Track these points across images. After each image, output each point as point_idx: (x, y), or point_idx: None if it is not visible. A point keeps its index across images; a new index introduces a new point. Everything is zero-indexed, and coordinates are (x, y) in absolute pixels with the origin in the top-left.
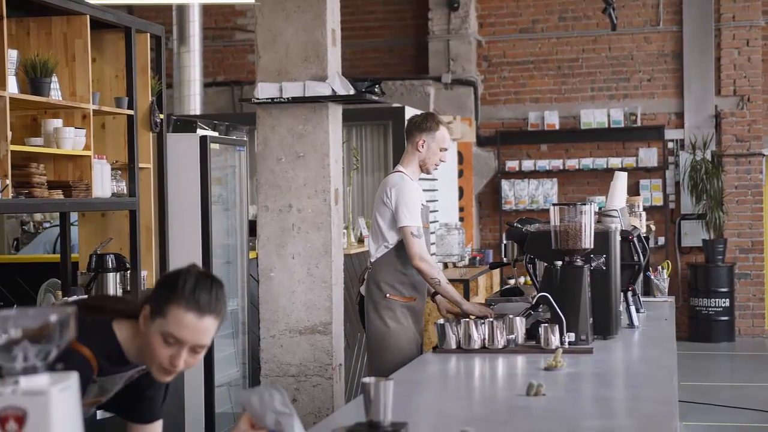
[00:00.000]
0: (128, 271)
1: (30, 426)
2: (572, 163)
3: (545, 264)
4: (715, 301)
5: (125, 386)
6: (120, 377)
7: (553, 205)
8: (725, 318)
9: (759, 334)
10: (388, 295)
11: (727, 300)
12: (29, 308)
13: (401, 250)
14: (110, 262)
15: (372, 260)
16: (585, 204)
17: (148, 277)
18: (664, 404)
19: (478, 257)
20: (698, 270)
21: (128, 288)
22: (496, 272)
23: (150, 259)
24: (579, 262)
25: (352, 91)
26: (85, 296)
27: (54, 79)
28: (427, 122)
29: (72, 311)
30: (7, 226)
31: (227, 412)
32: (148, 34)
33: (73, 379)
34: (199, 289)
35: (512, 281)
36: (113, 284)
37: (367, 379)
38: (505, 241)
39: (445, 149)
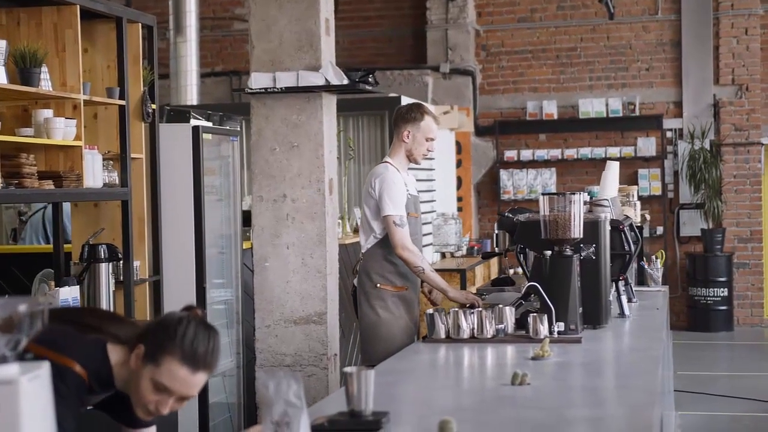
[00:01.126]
0: (121, 261)
1: None
2: (571, 153)
3: (535, 254)
4: (714, 291)
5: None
6: (103, 396)
7: (543, 194)
8: (724, 307)
9: (757, 324)
10: (378, 285)
11: (726, 289)
12: None
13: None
14: (103, 252)
15: (362, 251)
16: (574, 194)
17: (141, 267)
18: (646, 393)
19: (476, 247)
20: (697, 259)
21: (121, 278)
22: (494, 262)
23: (143, 249)
24: (568, 252)
25: (345, 81)
26: (81, 307)
27: (44, 69)
28: (411, 113)
29: (43, 305)
30: (5, 217)
31: (221, 402)
32: (140, 24)
33: (43, 368)
34: (197, 342)
35: (511, 271)
36: (105, 274)
37: (348, 369)
38: (496, 231)
39: (432, 139)
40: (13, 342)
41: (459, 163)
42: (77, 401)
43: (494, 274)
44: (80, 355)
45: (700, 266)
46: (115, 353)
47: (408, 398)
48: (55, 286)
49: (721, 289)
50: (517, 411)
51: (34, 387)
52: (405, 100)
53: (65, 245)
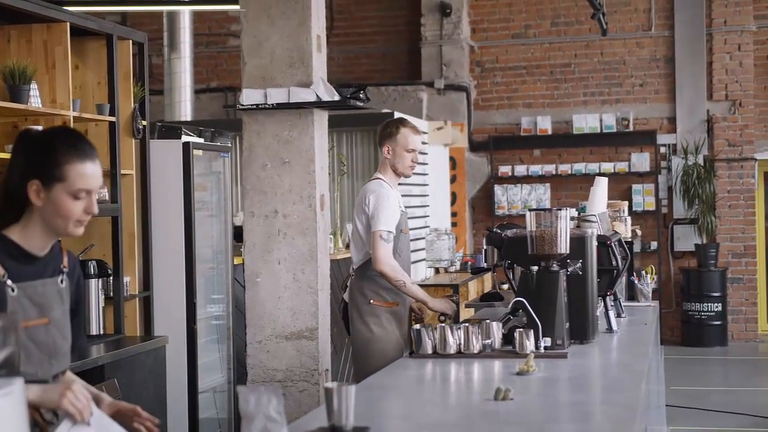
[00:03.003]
0: (110, 278)
1: None
2: (565, 168)
3: (522, 269)
4: (708, 306)
5: None
6: (42, 284)
7: (530, 210)
8: (718, 322)
9: (752, 339)
10: (372, 301)
11: (720, 304)
12: None
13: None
14: (92, 268)
15: (354, 267)
16: (561, 209)
17: (131, 283)
18: (627, 409)
19: (470, 262)
20: (691, 274)
21: (111, 294)
22: (488, 277)
23: (133, 265)
24: (555, 267)
25: (336, 97)
26: None
27: (33, 86)
28: (387, 128)
29: (13, 318)
30: None
31: (212, 418)
32: (131, 41)
33: (17, 384)
34: (75, 141)
35: (506, 286)
36: (95, 290)
37: (329, 385)
38: (485, 246)
39: (412, 150)
40: None
41: (453, 179)
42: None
43: (488, 290)
44: None
45: (694, 281)
46: (10, 232)
47: (391, 413)
48: None
49: (715, 304)
50: (498, 426)
51: (7, 403)
52: (397, 117)
53: None
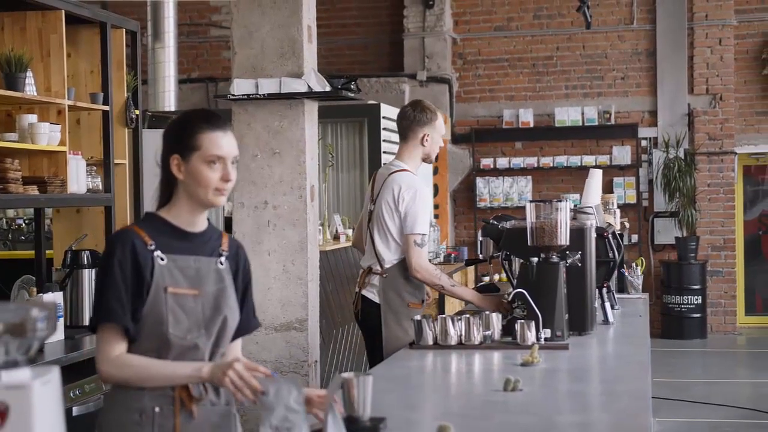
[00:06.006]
0: None
1: (12, 420)
2: (546, 161)
3: (521, 261)
4: (688, 298)
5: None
6: (196, 260)
7: (530, 201)
8: (697, 315)
9: (730, 331)
10: (410, 304)
11: (699, 297)
12: (9, 302)
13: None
14: (86, 258)
15: (386, 266)
16: (561, 201)
17: None
18: (638, 399)
19: (453, 254)
20: (671, 267)
21: None
22: (471, 269)
23: None
24: (555, 259)
25: (328, 88)
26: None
27: (29, 74)
28: (426, 114)
29: (53, 305)
30: None
31: None
32: (124, 30)
33: (54, 373)
34: (208, 115)
35: (486, 278)
36: (89, 281)
37: (346, 375)
38: (480, 238)
39: (443, 134)
40: (25, 347)
41: (435, 171)
42: (135, 254)
43: (471, 282)
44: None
45: (674, 274)
46: (160, 212)
47: (401, 404)
48: (38, 293)
49: (695, 297)
50: (512, 417)
51: (46, 391)
52: (384, 108)
53: (47, 251)
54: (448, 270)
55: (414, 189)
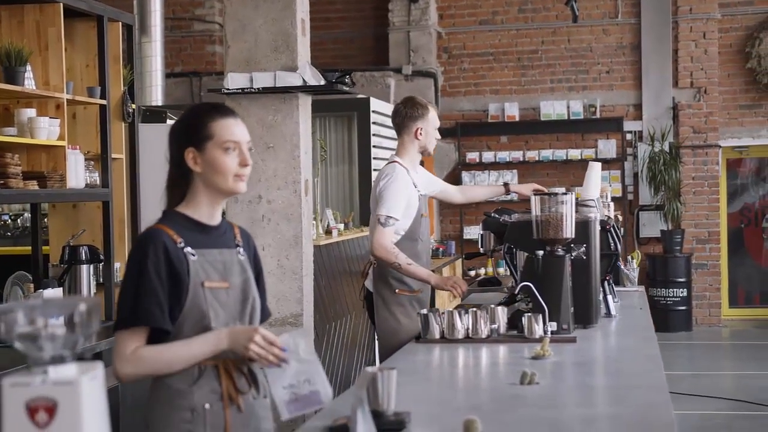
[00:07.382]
0: (101, 263)
1: (60, 416)
2: (532, 155)
3: (526, 254)
4: (673, 291)
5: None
6: (220, 253)
7: (535, 194)
8: (683, 308)
9: (715, 324)
10: (397, 290)
11: (685, 290)
12: (56, 298)
13: (404, 243)
14: (83, 253)
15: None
16: (566, 193)
17: (122, 269)
18: (659, 391)
19: (440, 248)
20: (656, 260)
21: (101, 280)
22: (458, 263)
23: (123, 250)
24: (560, 252)
25: (322, 82)
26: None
27: (28, 68)
28: (417, 109)
29: (98, 301)
30: None
31: None
32: (120, 24)
33: (99, 369)
34: (215, 105)
35: (472, 272)
36: (86, 276)
37: (371, 369)
38: (481, 232)
39: (437, 128)
40: (72, 342)
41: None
42: (168, 252)
43: (459, 275)
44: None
45: (659, 267)
46: (180, 208)
47: (421, 399)
48: (35, 289)
49: (680, 290)
50: (536, 410)
51: (93, 386)
52: (374, 102)
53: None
54: (436, 264)
55: (389, 175)
